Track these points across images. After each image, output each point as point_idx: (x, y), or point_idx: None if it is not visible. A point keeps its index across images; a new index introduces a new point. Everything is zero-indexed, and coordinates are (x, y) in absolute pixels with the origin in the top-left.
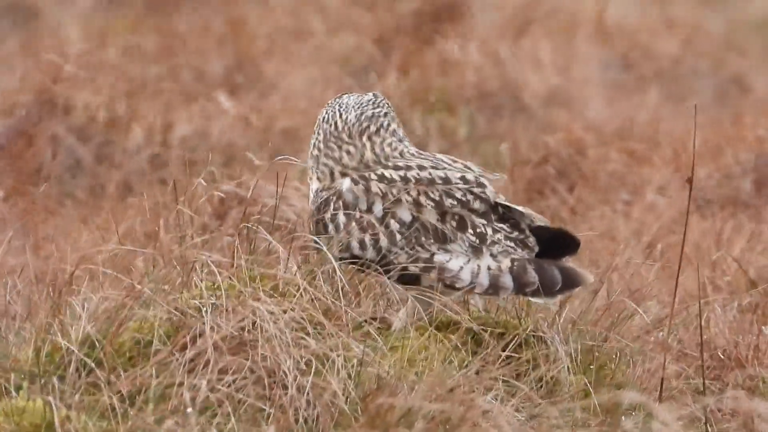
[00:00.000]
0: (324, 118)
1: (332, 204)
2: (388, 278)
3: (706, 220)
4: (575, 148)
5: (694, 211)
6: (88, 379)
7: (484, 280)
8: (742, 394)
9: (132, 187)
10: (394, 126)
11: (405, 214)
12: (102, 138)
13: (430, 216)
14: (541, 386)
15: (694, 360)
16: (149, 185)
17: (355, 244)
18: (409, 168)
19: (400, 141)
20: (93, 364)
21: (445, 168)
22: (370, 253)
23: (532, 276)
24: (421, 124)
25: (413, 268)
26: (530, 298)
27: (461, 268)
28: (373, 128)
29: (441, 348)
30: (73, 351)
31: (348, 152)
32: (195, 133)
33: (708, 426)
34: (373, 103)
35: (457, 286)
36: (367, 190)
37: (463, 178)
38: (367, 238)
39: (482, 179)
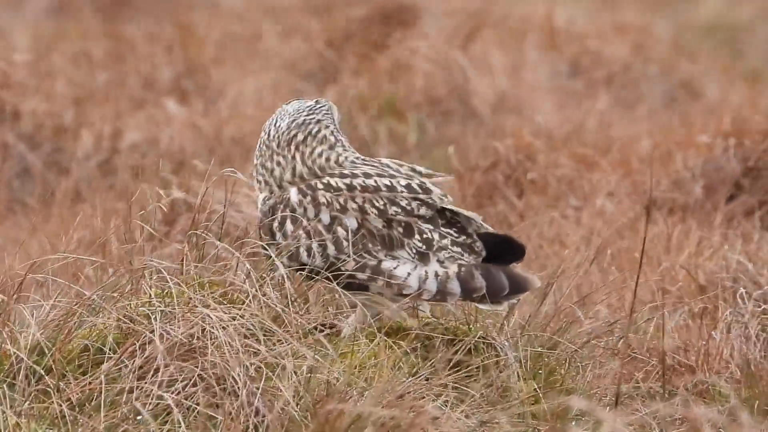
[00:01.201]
0: (265, 125)
1: (279, 212)
2: (337, 284)
3: (656, 225)
4: (525, 154)
5: (644, 215)
6: (37, 386)
7: (431, 286)
8: (691, 399)
9: (82, 193)
10: (325, 133)
11: (351, 222)
12: (51, 145)
13: (375, 223)
14: (491, 392)
15: (643, 365)
16: (99, 192)
17: (302, 252)
18: (355, 176)
19: (332, 148)
20: (42, 372)
21: (391, 175)
22: (318, 261)
23: (480, 281)
24: (371, 129)
25: (361, 276)
26: (477, 305)
27: (409, 274)
28: (300, 137)
29: (391, 354)
30: (22, 358)
31: (278, 163)
32: (144, 139)
33: None
34: (310, 109)
35: (405, 292)
36: (314, 200)
37: (408, 186)
38: (315, 246)
39: (428, 185)
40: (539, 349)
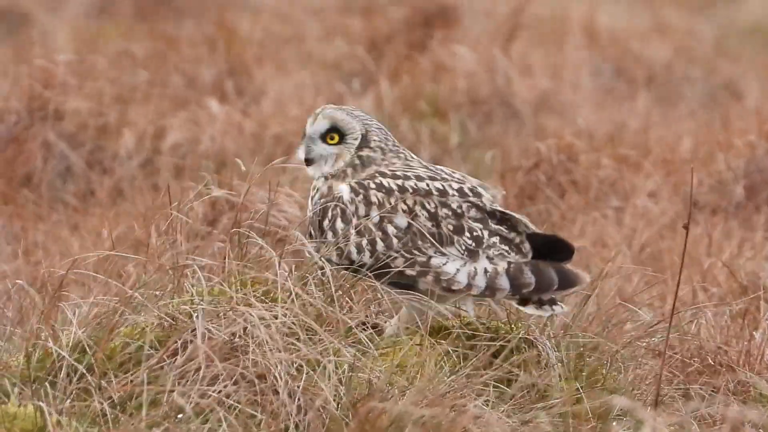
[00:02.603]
0: (361, 124)
1: (330, 211)
2: (382, 283)
3: (698, 226)
4: (566, 154)
5: (685, 216)
6: (79, 384)
7: (480, 282)
8: (732, 399)
9: (123, 193)
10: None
11: (401, 221)
12: (93, 144)
13: (425, 223)
14: (533, 392)
15: (685, 365)
16: (140, 191)
17: (352, 249)
18: (407, 178)
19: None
20: (84, 370)
21: (443, 179)
22: (367, 257)
23: (529, 277)
24: (412, 130)
25: (410, 272)
26: (523, 308)
27: (458, 270)
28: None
29: (432, 353)
30: (64, 356)
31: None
32: (186, 139)
33: None
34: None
35: (454, 288)
36: (366, 198)
37: (460, 190)
38: (364, 242)
39: (479, 189)
40: (581, 349)
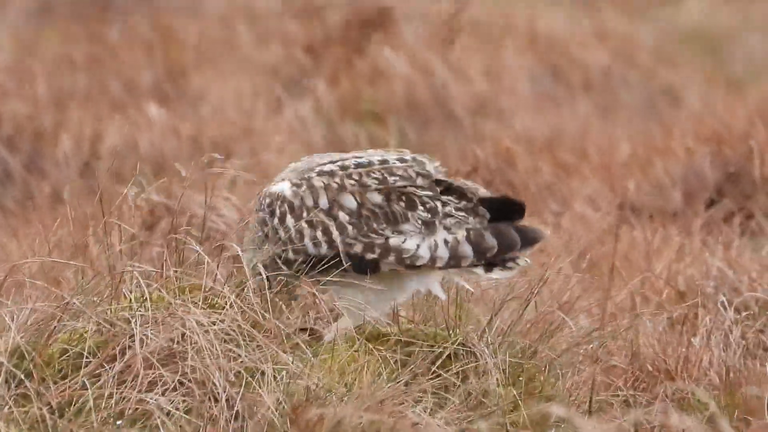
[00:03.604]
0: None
1: (278, 209)
2: (347, 269)
3: (636, 231)
4: (504, 159)
5: (623, 222)
6: (17, 390)
7: (443, 253)
8: (670, 406)
9: (62, 197)
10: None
11: (350, 201)
12: (31, 148)
13: (375, 198)
14: (471, 398)
15: (623, 372)
16: (79, 195)
17: (308, 243)
18: (345, 159)
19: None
20: (22, 376)
21: (381, 154)
22: (325, 249)
23: (491, 240)
24: (351, 134)
25: (371, 256)
26: (489, 275)
27: (418, 246)
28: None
29: (371, 359)
30: (2, 362)
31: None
32: (124, 143)
33: None
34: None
35: (418, 264)
36: (311, 187)
37: (400, 159)
38: (320, 234)
39: (419, 157)
40: (519, 356)
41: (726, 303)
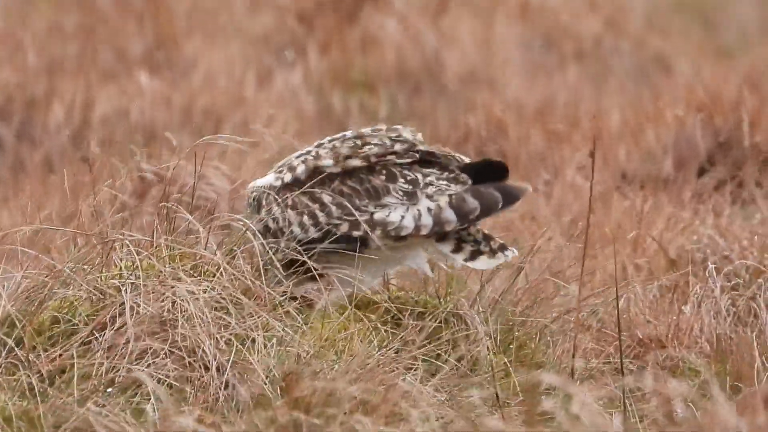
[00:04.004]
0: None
1: (264, 200)
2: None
3: (627, 199)
4: (496, 128)
5: (615, 190)
6: (8, 358)
7: (427, 221)
8: (661, 374)
9: (53, 165)
10: None
11: (327, 162)
12: (22, 116)
13: (353, 162)
14: (462, 366)
15: (614, 340)
16: (70, 164)
17: (296, 229)
18: (320, 140)
19: None
20: (13, 344)
21: (355, 131)
22: (313, 232)
23: (472, 202)
24: (341, 103)
25: (357, 233)
26: (479, 265)
27: (402, 217)
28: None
29: (361, 327)
30: None
31: None
32: (115, 111)
33: (627, 406)
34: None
35: (403, 234)
36: (290, 167)
37: (375, 129)
38: (305, 219)
39: (395, 126)
40: (510, 323)
41: (716, 271)
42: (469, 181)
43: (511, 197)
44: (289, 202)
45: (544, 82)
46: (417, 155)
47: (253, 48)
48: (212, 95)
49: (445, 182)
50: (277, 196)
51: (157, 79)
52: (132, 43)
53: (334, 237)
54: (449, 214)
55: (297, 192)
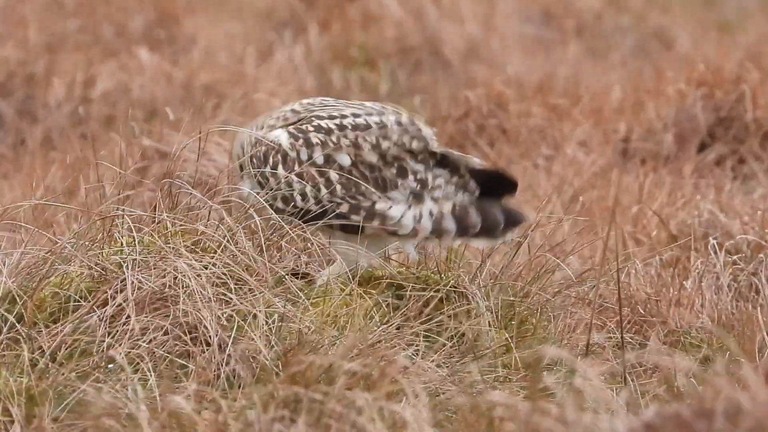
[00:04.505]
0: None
1: (271, 158)
2: (326, 229)
3: (628, 175)
4: (496, 103)
5: (616, 166)
6: (8, 334)
7: (426, 224)
8: (663, 348)
9: (54, 142)
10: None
11: (344, 159)
12: (23, 93)
13: (370, 158)
14: (463, 342)
15: (615, 315)
16: (71, 140)
17: (297, 196)
18: (344, 116)
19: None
20: (14, 320)
21: (379, 113)
22: (312, 204)
23: (475, 218)
24: (342, 78)
25: (355, 217)
26: (473, 242)
27: (403, 214)
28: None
29: (362, 303)
30: None
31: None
32: (116, 88)
33: (629, 381)
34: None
35: (400, 233)
36: (307, 141)
37: (398, 122)
38: (309, 189)
39: (417, 121)
40: (511, 299)
41: (717, 246)
42: (477, 191)
43: (513, 222)
44: (296, 169)
45: (544, 57)
46: (431, 157)
47: (254, 24)
48: (213, 72)
49: (452, 188)
50: (287, 159)
51: (157, 56)
52: (133, 19)
53: (333, 214)
54: (450, 224)
55: (308, 163)
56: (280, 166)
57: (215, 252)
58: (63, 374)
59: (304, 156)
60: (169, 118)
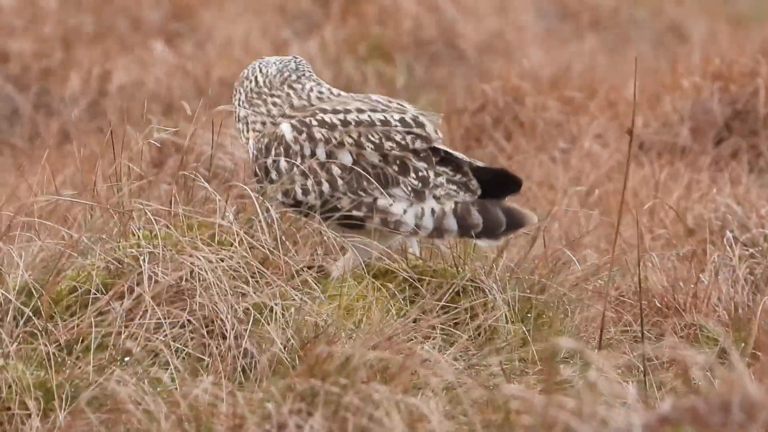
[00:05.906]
0: (245, 75)
1: (273, 149)
2: (329, 224)
3: (644, 168)
4: (512, 96)
5: (632, 159)
6: (25, 328)
7: (428, 223)
8: (679, 342)
9: (70, 135)
10: (312, 75)
11: (346, 157)
12: (39, 86)
13: (372, 158)
14: (479, 335)
15: (631, 308)
16: (87, 134)
17: (298, 190)
18: (348, 111)
19: (321, 85)
20: (30, 313)
21: (383, 110)
22: (313, 199)
23: (476, 218)
24: (359, 72)
25: (357, 213)
26: (475, 240)
27: (405, 211)
28: (294, 77)
29: (379, 296)
30: (10, 300)
31: (274, 104)
32: (132, 81)
33: (645, 374)
34: (295, 61)
35: (401, 230)
36: (310, 136)
37: (402, 120)
38: (310, 183)
39: (422, 119)
40: (528, 292)
41: (734, 239)
42: (479, 191)
43: (515, 223)
44: (299, 161)
45: (560, 51)
46: (433, 155)
47: (270, 18)
48: (228, 65)
49: (454, 186)
50: (289, 152)
51: (173, 50)
52: (148, 13)
53: (333, 208)
54: (451, 223)
55: (312, 158)
56: (282, 159)
57: (231, 245)
58: (80, 367)
59: (307, 151)
60: (184, 112)
